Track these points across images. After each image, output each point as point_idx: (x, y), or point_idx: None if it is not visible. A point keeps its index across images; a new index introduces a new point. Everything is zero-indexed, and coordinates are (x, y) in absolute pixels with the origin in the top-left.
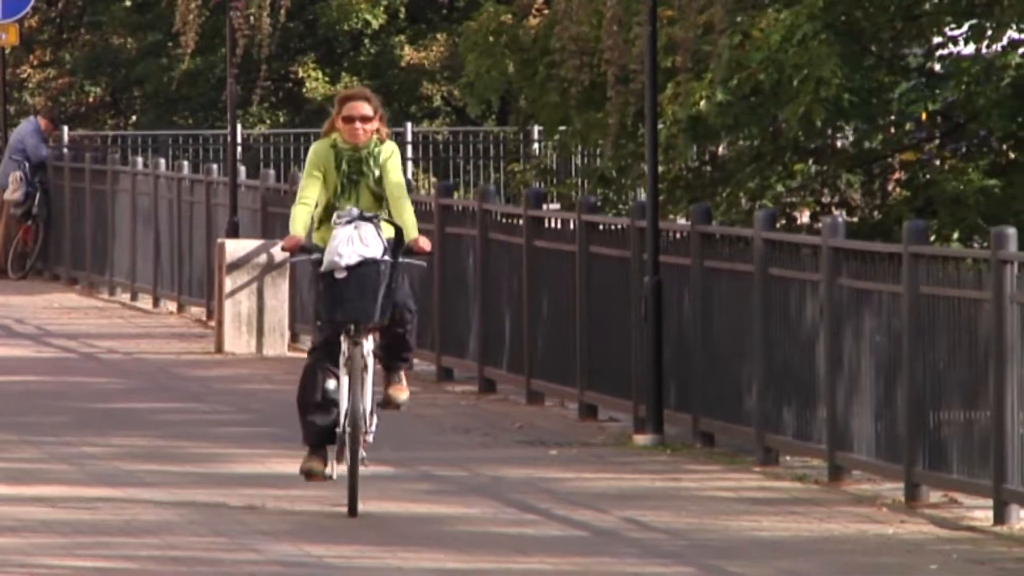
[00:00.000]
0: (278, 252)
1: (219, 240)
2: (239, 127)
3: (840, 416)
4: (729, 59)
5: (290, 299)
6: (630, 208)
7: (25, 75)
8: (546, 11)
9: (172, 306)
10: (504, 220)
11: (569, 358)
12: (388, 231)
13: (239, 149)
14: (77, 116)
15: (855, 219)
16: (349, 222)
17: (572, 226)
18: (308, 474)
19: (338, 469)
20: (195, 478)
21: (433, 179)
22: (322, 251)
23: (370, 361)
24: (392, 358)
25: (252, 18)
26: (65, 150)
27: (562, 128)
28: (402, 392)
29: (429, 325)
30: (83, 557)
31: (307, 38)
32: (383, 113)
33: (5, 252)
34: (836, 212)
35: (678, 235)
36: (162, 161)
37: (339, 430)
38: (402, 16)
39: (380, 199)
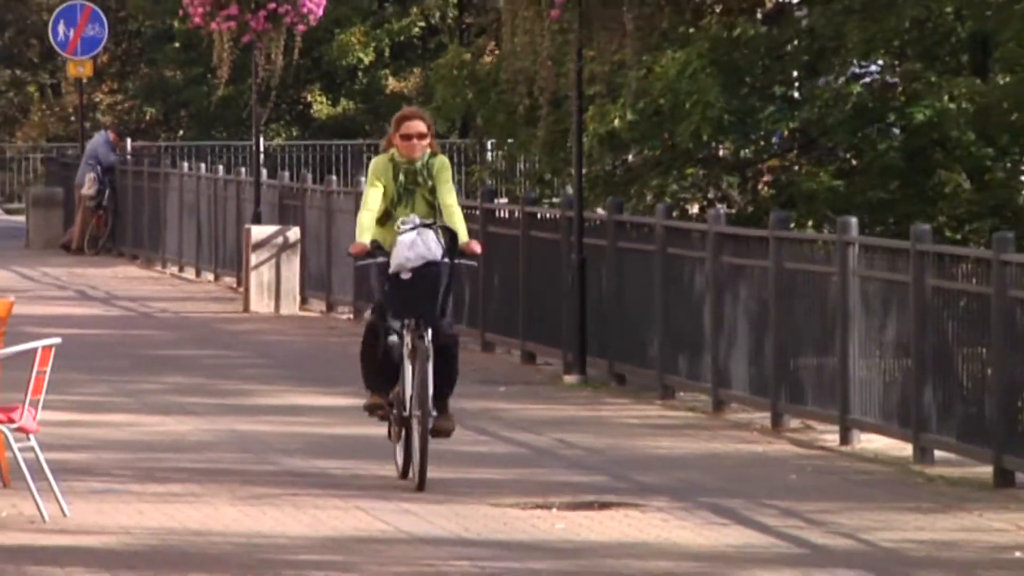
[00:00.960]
0: (293, 234)
1: (246, 226)
2: (261, 140)
3: (721, 361)
4: (637, 88)
5: (300, 271)
6: (560, 202)
7: (98, 99)
8: (497, 51)
9: (210, 276)
10: (465, 211)
11: (514, 316)
12: (444, 236)
13: (261, 156)
14: (137, 131)
15: (733, 211)
16: (412, 229)
17: (517, 215)
18: (371, 409)
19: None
20: (227, 408)
21: None
22: (386, 254)
23: (431, 351)
24: (442, 385)
25: (271, 56)
26: (128, 157)
27: (509, 140)
28: (449, 421)
29: None
30: (142, 468)
31: (313, 71)
32: (434, 130)
33: (82, 235)
34: (719, 206)
35: (598, 222)
36: (202, 165)
37: (405, 413)
38: (387, 54)
39: (433, 206)
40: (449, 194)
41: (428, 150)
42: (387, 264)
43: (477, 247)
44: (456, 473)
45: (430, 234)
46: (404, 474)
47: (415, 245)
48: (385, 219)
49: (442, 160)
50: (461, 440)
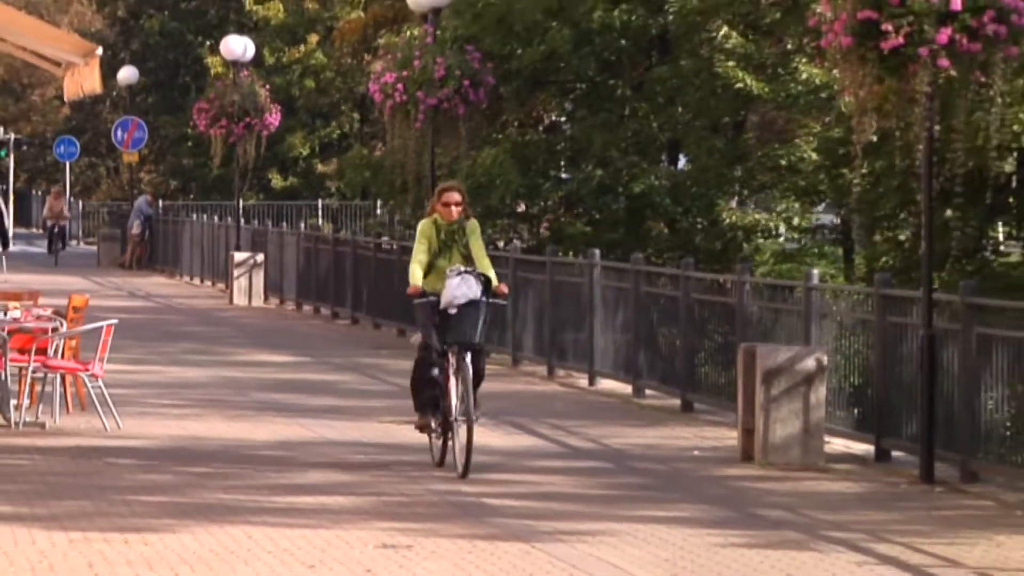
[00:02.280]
0: (259, 258)
1: (231, 252)
2: (241, 201)
3: (517, 335)
4: (467, 170)
5: (264, 280)
6: None
7: (141, 176)
8: (383, 147)
9: (209, 283)
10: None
11: (391, 303)
12: (480, 280)
13: (240, 211)
14: (165, 195)
15: (525, 245)
16: (458, 274)
17: (394, 247)
18: (422, 428)
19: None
20: (217, 362)
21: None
22: (436, 295)
23: (471, 369)
24: (475, 385)
25: (246, 150)
26: (160, 211)
27: (391, 202)
28: (479, 408)
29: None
30: (165, 397)
31: (272, 160)
32: (466, 199)
33: (131, 257)
34: (516, 242)
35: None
36: (204, 216)
37: (452, 419)
38: (317, 150)
39: (465, 257)
40: (480, 248)
41: (462, 214)
42: (437, 302)
43: (505, 289)
44: (355, 402)
45: (471, 278)
46: (441, 463)
47: (460, 287)
48: (429, 269)
49: (473, 223)
50: (357, 382)
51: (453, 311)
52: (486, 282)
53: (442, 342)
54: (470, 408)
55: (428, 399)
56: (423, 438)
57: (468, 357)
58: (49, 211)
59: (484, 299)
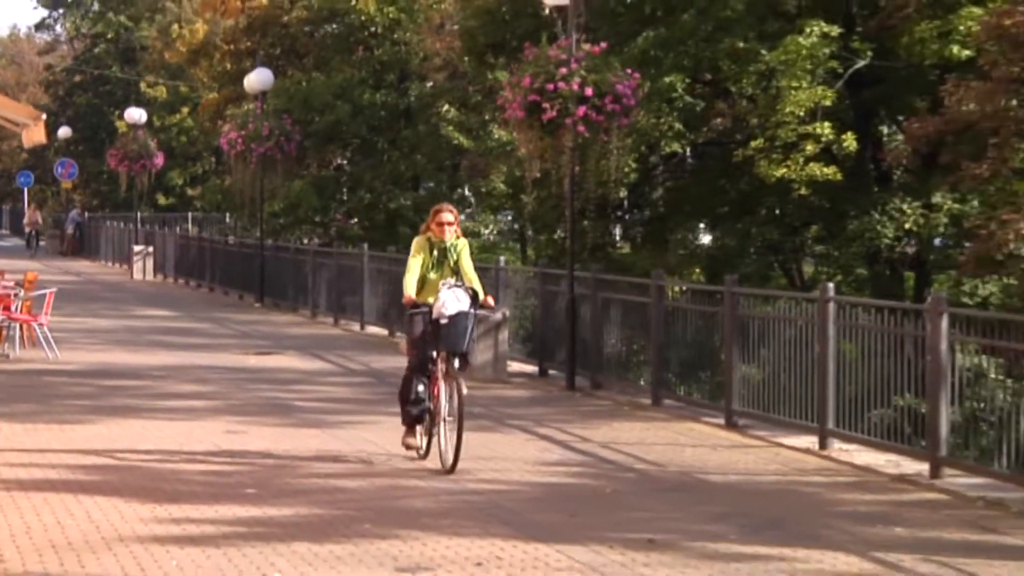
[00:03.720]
0: (149, 249)
1: (132, 245)
2: (139, 213)
3: (315, 298)
4: (283, 194)
5: (153, 262)
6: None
7: (72, 197)
8: (229, 178)
9: (117, 265)
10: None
11: (232, 277)
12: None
13: (138, 219)
14: (89, 208)
15: (320, 242)
16: (449, 288)
17: (232, 242)
18: (408, 447)
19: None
20: (123, 316)
21: (197, 228)
22: (428, 306)
23: (460, 375)
24: (460, 371)
25: (141, 181)
26: (86, 219)
27: (235, 214)
28: (464, 385)
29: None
30: (87, 337)
31: (158, 186)
32: (459, 219)
33: (67, 249)
34: (316, 239)
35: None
36: (114, 223)
37: (440, 419)
38: (188, 180)
39: (455, 273)
40: (469, 265)
41: (454, 234)
42: (429, 312)
43: (492, 301)
44: (211, 341)
45: (461, 291)
46: (426, 456)
47: (451, 299)
48: (423, 284)
49: (464, 241)
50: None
51: (444, 321)
52: (474, 295)
53: (433, 348)
54: (456, 404)
55: (417, 416)
56: (257, 361)
57: (457, 362)
58: (29, 220)
59: (472, 310)
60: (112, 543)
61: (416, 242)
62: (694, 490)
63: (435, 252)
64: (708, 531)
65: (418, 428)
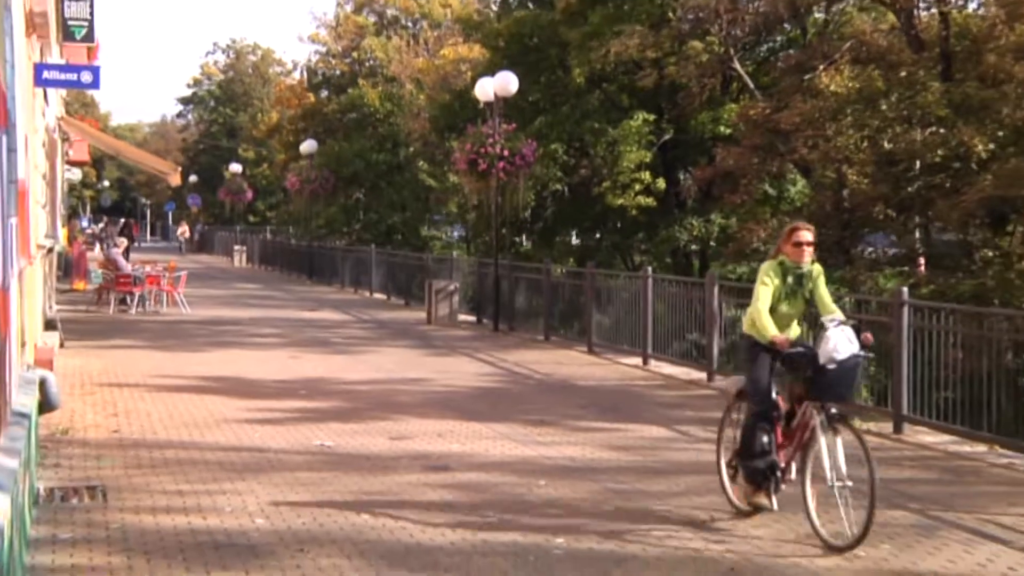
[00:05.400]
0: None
1: (233, 245)
2: (238, 228)
3: (345, 274)
4: (324, 215)
5: (246, 257)
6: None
7: (197, 216)
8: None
9: (227, 258)
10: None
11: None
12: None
13: (239, 232)
14: (206, 223)
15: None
16: (837, 325)
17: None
18: (756, 507)
19: (775, 501)
20: (229, 288)
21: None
22: (810, 350)
23: (849, 431)
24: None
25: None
26: (203, 229)
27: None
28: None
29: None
30: (206, 301)
31: (248, 210)
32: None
33: (189, 244)
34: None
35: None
36: (226, 232)
37: (828, 486)
38: (268, 207)
39: (806, 304)
40: (827, 294)
41: (811, 257)
42: (814, 357)
43: (871, 338)
44: (284, 302)
45: (850, 330)
46: (744, 514)
47: (843, 340)
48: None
49: (818, 267)
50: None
51: (832, 366)
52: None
53: (816, 399)
54: (840, 467)
55: (767, 470)
56: (308, 315)
57: (834, 410)
58: (180, 231)
59: (863, 355)
60: (220, 423)
61: (765, 267)
62: (568, 390)
63: (789, 279)
64: (575, 414)
65: (769, 488)
